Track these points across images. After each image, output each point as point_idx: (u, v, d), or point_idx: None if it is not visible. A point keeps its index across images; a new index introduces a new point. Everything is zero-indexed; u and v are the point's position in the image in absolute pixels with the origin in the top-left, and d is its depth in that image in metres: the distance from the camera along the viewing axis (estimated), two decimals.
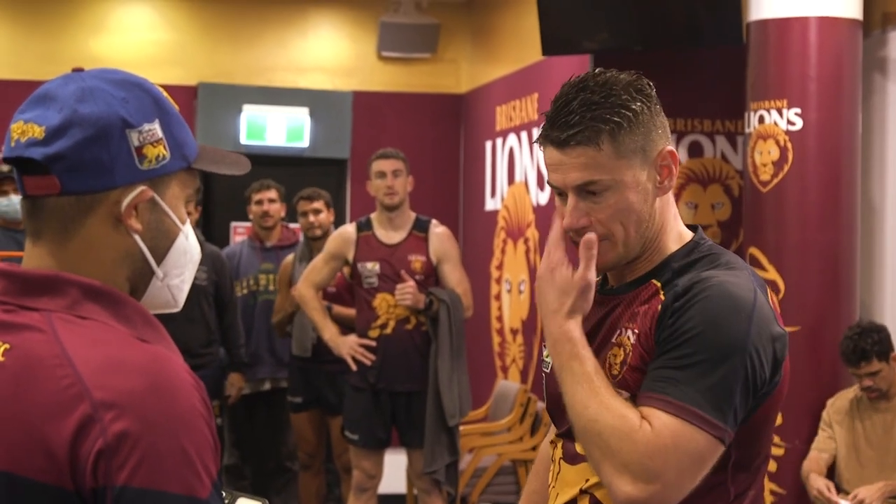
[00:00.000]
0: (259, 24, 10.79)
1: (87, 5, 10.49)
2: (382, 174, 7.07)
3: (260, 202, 8.41)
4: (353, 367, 7.01)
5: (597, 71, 2.52)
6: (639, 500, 2.32)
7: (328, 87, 10.74)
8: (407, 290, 6.90)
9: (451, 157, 11.01)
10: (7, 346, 1.78)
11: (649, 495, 2.32)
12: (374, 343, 7.00)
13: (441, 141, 11.00)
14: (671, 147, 2.52)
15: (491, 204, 10.14)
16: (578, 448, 2.53)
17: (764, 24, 6.91)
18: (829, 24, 6.79)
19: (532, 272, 9.17)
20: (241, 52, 10.77)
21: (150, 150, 1.85)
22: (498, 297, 9.89)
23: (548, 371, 2.64)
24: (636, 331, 2.46)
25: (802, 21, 6.79)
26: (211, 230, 10.24)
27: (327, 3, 10.89)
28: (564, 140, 2.45)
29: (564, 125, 2.45)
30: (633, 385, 2.44)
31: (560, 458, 2.63)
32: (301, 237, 8.30)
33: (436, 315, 6.97)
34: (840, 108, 6.81)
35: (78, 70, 1.89)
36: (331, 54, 10.92)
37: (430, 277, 7.10)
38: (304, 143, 10.55)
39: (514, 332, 9.57)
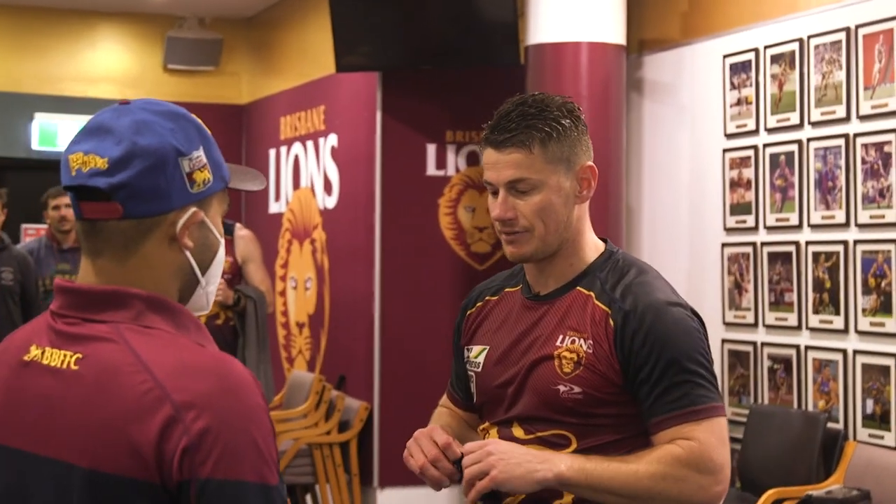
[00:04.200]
0: (49, 36, 10.86)
1: None
2: None
3: (57, 207, 8.46)
4: None
5: (536, 93, 2.82)
6: (724, 492, 2.67)
7: (117, 97, 10.61)
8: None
9: (232, 163, 11.22)
10: (79, 355, 1.88)
11: (726, 485, 2.68)
12: None
13: (223, 148, 10.19)
14: (592, 163, 2.79)
15: (275, 207, 10.32)
16: (516, 432, 2.77)
17: (541, 47, 7.35)
18: (597, 49, 7.28)
19: (318, 271, 9.43)
20: (31, 61, 10.80)
21: (199, 175, 1.98)
22: (283, 294, 10.05)
23: (479, 370, 2.88)
24: (589, 340, 2.70)
25: (575, 45, 7.26)
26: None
27: (116, 17, 11.03)
28: (502, 142, 2.72)
29: (503, 130, 2.73)
30: (585, 381, 2.70)
31: None
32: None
33: (243, 310, 7.22)
34: (608, 123, 7.29)
35: (124, 102, 2.00)
36: (119, 66, 11.09)
37: (236, 276, 7.32)
38: None
39: (300, 325, 9.77)
